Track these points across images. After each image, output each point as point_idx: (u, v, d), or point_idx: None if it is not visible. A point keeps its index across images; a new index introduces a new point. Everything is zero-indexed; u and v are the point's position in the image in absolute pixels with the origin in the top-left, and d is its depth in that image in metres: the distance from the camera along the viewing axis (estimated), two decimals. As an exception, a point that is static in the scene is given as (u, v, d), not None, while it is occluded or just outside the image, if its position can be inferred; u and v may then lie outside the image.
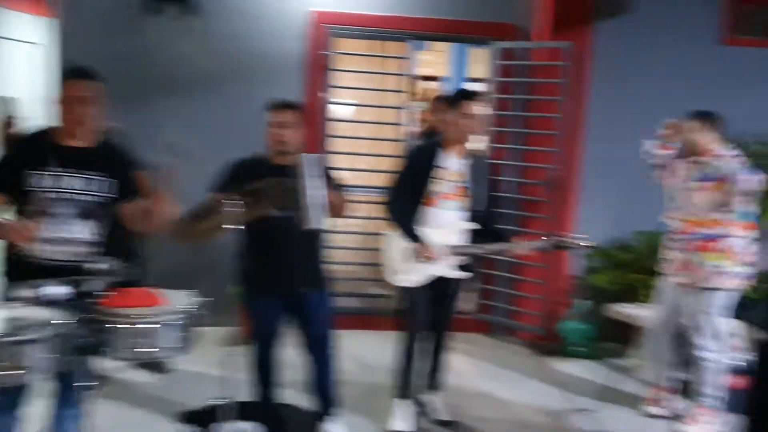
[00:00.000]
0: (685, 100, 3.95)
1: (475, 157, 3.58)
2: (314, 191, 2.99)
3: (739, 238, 3.64)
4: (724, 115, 3.76)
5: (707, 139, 3.69)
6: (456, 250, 3.48)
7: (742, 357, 3.84)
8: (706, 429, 3.74)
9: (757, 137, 4.80)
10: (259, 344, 3.39)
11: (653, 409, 3.98)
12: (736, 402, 3.54)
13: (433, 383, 3.79)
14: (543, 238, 3.59)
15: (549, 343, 4.94)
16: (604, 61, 4.96)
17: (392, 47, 5.29)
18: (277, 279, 3.25)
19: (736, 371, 3.76)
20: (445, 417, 3.74)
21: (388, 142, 5.11)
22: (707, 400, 3.76)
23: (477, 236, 3.55)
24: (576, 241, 3.51)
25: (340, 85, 5.06)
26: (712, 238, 3.66)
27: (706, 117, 3.71)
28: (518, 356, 4.90)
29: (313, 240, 3.26)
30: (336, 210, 3.15)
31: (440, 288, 3.56)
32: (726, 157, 3.67)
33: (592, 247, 3.61)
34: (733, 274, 3.64)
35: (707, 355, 3.72)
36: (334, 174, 3.36)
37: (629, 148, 4.21)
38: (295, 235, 3.12)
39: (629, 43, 5.02)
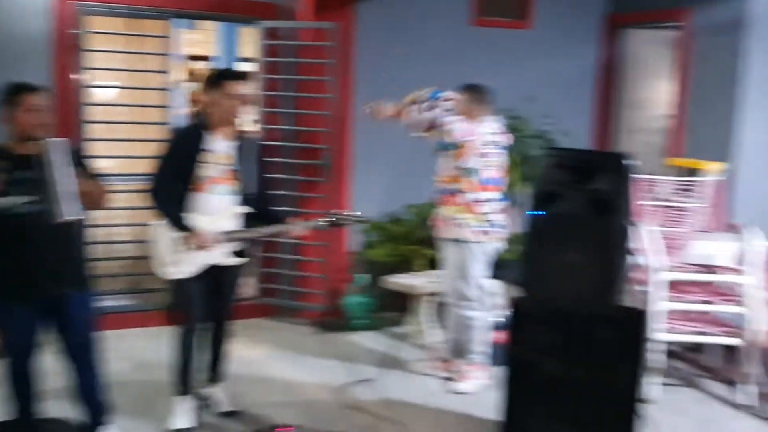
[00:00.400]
0: (442, 79, 4.19)
1: (244, 138, 3.49)
2: (64, 181, 2.73)
3: (477, 195, 3.94)
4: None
5: (474, 110, 3.97)
6: (230, 236, 3.38)
7: (502, 314, 4.20)
8: (475, 384, 4.05)
9: (508, 112, 5.24)
10: (13, 356, 3.03)
11: (429, 370, 4.24)
12: (499, 356, 3.87)
13: (215, 375, 3.68)
14: (318, 217, 3.61)
15: (333, 320, 5.03)
16: (367, 41, 5.10)
17: (153, 26, 4.98)
18: (28, 282, 2.92)
19: (498, 327, 4.11)
20: (229, 408, 3.65)
21: (153, 126, 4.82)
22: (475, 357, 4.08)
23: (251, 220, 3.48)
24: (350, 217, 3.58)
25: (96, 66, 4.67)
26: (451, 193, 3.98)
27: (474, 89, 4.00)
28: (303, 336, 4.93)
29: (69, 235, 2.96)
30: (91, 200, 2.90)
31: (216, 277, 3.44)
32: (478, 128, 3.95)
33: (365, 221, 3.71)
34: (472, 227, 3.94)
35: (471, 314, 4.03)
36: (88, 161, 3.09)
37: (396, 126, 4.37)
38: (45, 231, 2.82)
39: (389, 23, 5.21)
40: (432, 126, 3.94)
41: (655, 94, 6.04)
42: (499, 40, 5.54)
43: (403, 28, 5.24)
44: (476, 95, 4.01)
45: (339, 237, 5.07)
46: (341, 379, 4.13)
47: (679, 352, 4.61)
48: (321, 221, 3.52)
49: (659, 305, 4.00)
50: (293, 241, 4.75)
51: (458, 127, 3.92)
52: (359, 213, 3.65)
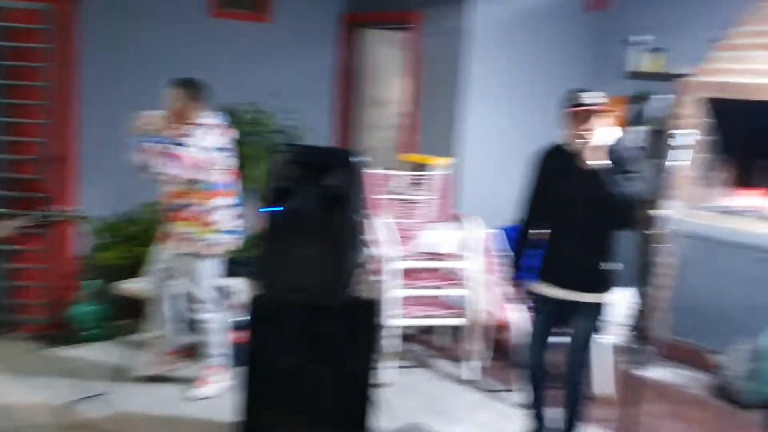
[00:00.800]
0: (179, 71, 3.95)
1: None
2: None
3: (207, 204, 3.77)
4: (212, 84, 3.90)
5: (190, 107, 3.76)
6: None
7: (241, 312, 4.11)
8: (216, 387, 3.92)
9: (249, 106, 5.16)
10: None
11: (160, 371, 4.04)
12: (239, 355, 3.78)
13: None
14: (24, 217, 3.21)
15: (59, 332, 4.55)
16: (94, 27, 4.67)
17: None
18: None
19: (238, 326, 4.01)
20: None
21: None
22: (213, 360, 3.94)
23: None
24: (63, 215, 3.24)
25: None
26: (179, 208, 3.77)
27: (188, 85, 3.76)
28: (23, 352, 4.39)
29: None
30: None
31: None
32: (196, 132, 3.74)
33: (83, 218, 3.39)
34: (204, 241, 3.79)
35: (206, 317, 3.89)
36: None
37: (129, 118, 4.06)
38: None
39: (120, 10, 4.83)
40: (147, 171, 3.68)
41: (391, 92, 6.36)
42: (239, 33, 5.43)
43: (137, 15, 4.90)
44: (191, 91, 3.74)
45: (63, 240, 4.60)
46: (66, 397, 3.74)
47: (413, 335, 4.90)
48: (26, 220, 3.14)
49: (394, 293, 4.20)
50: (5, 246, 4.21)
51: (178, 170, 3.64)
52: (77, 209, 3.32)
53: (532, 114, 5.40)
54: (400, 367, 4.33)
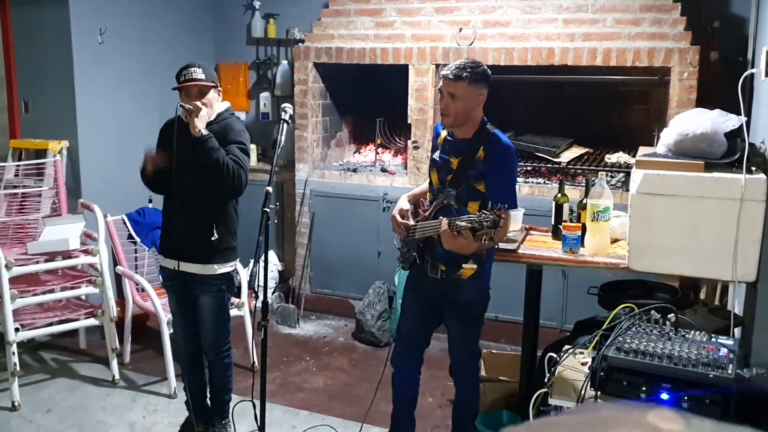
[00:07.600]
0: None
1: None
2: None
3: None
4: None
5: None
6: None
7: None
8: None
9: None
10: None
11: None
12: None
13: None
14: None
15: None
16: None
17: None
18: None
19: None
20: None
21: None
22: None
23: None
24: None
25: None
26: None
27: None
28: None
29: None
30: None
31: None
32: None
33: None
34: None
35: None
36: None
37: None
38: None
39: None
40: None
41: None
42: None
43: None
44: None
45: None
46: None
47: (50, 342, 4.43)
48: None
49: (6, 305, 3.68)
50: None
51: None
52: None
53: (153, 87, 5.10)
54: (35, 382, 3.87)
